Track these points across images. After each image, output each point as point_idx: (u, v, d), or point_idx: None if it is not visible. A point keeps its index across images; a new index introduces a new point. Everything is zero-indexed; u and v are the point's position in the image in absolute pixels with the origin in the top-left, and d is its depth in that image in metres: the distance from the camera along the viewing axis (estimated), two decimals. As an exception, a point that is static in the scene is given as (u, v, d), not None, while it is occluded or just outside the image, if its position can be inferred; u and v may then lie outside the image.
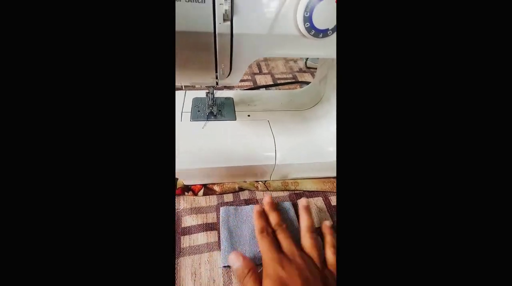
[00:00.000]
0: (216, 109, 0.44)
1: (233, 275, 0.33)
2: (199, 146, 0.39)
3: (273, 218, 0.34)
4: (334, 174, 0.45)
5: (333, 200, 0.44)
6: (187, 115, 0.43)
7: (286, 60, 0.82)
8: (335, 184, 0.45)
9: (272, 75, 0.75)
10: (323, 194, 0.44)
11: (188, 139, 0.39)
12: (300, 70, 0.78)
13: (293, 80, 0.72)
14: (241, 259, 0.29)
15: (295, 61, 0.82)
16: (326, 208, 0.42)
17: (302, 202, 0.37)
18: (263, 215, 0.35)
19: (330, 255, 0.29)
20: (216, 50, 0.27)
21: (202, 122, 0.42)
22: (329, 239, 0.32)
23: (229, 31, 0.25)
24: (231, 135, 0.41)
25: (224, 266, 0.33)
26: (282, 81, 0.72)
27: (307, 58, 0.78)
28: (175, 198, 0.42)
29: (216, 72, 0.31)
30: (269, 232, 0.32)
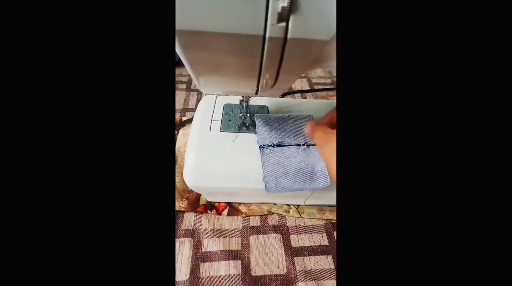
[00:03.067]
0: (249, 120, 0.39)
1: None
2: (228, 161, 0.34)
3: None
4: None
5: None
6: (217, 125, 0.38)
7: (325, 63, 0.75)
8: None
9: (308, 80, 0.68)
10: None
11: (216, 153, 0.35)
12: (340, 76, 0.70)
13: (332, 87, 0.65)
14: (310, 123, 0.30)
15: (334, 65, 0.74)
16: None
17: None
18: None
19: None
20: (262, 57, 0.22)
21: (233, 134, 0.37)
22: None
23: (282, 35, 0.20)
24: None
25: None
26: (320, 87, 0.65)
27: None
28: (174, 213, 0.38)
29: (258, 82, 0.25)
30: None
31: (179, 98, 0.60)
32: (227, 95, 0.43)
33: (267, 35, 0.20)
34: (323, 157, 0.28)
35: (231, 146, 0.36)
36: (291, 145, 0.35)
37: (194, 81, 0.28)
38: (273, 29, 0.19)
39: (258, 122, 0.38)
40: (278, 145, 0.35)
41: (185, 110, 0.57)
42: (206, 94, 0.46)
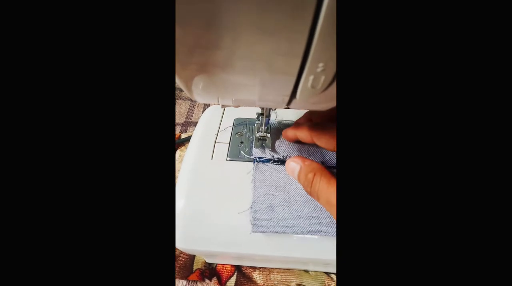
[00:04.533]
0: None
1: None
2: (237, 212, 0.22)
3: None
4: None
5: None
6: (223, 149, 0.26)
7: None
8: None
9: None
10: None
11: (221, 195, 0.22)
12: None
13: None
14: (303, 161, 0.20)
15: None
16: None
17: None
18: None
19: None
20: (315, 23, 0.10)
21: (247, 165, 0.25)
22: None
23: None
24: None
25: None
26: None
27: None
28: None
29: (297, 82, 0.13)
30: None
31: (181, 109, 0.49)
32: (238, 106, 0.30)
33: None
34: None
35: (242, 185, 0.23)
36: None
37: (180, 85, 0.16)
38: None
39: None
40: (282, 161, 0.24)
41: (187, 124, 0.46)
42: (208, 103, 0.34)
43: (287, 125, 0.30)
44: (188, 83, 0.16)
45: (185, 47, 0.13)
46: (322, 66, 0.11)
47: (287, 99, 0.15)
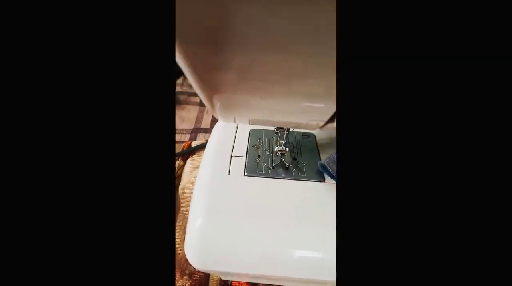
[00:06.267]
0: (290, 157, 0.25)
1: None
2: (257, 231, 0.21)
3: None
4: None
5: None
6: (240, 164, 0.25)
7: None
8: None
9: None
10: None
11: (239, 214, 0.21)
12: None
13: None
14: None
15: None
16: None
17: None
18: None
19: None
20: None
21: (265, 181, 0.23)
22: None
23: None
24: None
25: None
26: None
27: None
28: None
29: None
30: None
31: (190, 115, 0.48)
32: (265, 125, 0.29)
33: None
34: None
35: (261, 203, 0.22)
36: None
37: (203, 100, 0.15)
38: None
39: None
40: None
41: (196, 131, 0.45)
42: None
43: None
44: (210, 101, 0.15)
45: (201, 66, 0.12)
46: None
47: (321, 124, 0.14)
